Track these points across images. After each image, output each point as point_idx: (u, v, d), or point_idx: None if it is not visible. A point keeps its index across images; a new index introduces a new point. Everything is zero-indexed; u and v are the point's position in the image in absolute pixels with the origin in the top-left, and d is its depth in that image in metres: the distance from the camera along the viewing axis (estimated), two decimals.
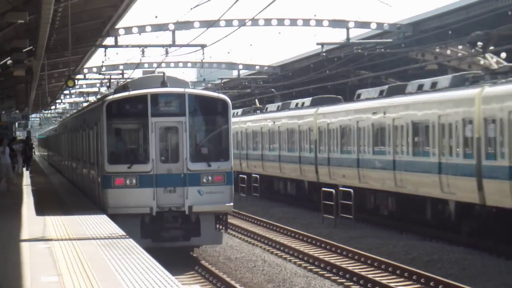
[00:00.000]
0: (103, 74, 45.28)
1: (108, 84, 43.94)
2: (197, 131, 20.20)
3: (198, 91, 22.52)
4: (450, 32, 33.59)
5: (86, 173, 25.04)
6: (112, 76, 45.62)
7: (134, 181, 19.69)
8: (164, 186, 19.71)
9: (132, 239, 15.22)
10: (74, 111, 60.36)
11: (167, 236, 19.81)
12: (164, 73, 21.60)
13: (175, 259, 21.07)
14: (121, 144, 20.40)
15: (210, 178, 19.84)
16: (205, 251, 22.68)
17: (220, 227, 20.27)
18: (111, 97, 21.03)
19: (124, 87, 21.78)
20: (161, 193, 19.70)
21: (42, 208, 21.68)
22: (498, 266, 18.16)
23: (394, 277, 17.93)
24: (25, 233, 16.44)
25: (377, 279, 17.23)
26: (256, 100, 51.32)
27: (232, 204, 20.18)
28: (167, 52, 32.59)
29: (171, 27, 31.81)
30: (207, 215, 19.96)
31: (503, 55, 35.13)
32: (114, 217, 18.73)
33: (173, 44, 31.82)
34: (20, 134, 61.52)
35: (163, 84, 20.73)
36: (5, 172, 27.95)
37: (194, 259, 20.43)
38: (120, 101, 20.22)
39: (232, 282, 17.15)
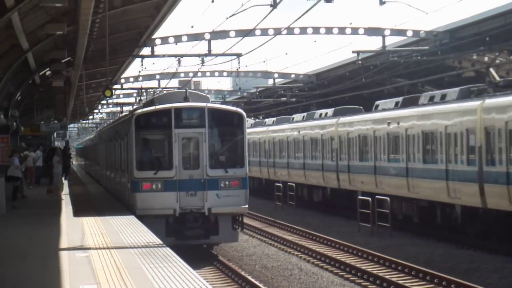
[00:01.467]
0: (139, 84, 45.66)
1: (141, 94, 44.28)
2: (215, 141, 22.56)
3: (217, 105, 24.90)
4: (487, 38, 33.30)
5: (118, 179, 27.48)
6: (148, 86, 45.97)
7: (159, 185, 22.02)
8: (186, 190, 22.04)
9: (158, 237, 16.78)
10: (111, 121, 60.93)
11: (189, 235, 22.03)
12: (186, 89, 24.53)
13: (211, 268, 21.15)
14: (148, 152, 22.83)
15: (227, 183, 22.16)
16: (241, 260, 22.72)
17: (237, 226, 22.60)
18: (139, 111, 23.65)
19: (151, 102, 24.45)
20: (184, 196, 22.03)
21: (79, 211, 23.76)
22: None
23: (432, 286, 17.78)
24: (64, 242, 16.62)
25: (414, 287, 17.11)
26: (282, 111, 54.23)
27: (247, 206, 22.53)
28: (203, 62, 32.79)
29: (207, 36, 31.99)
30: (225, 216, 22.23)
31: None
32: (141, 218, 20.91)
33: (209, 54, 32.00)
34: (58, 144, 62.15)
35: (186, 99, 23.04)
36: (58, 180, 28.42)
37: (231, 268, 20.48)
38: (147, 115, 22.67)
39: None
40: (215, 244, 23.41)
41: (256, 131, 49.93)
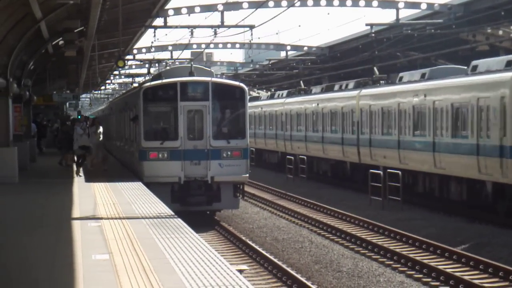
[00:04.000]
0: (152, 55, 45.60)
1: (150, 65, 44.19)
2: (218, 114, 23.93)
3: (220, 79, 26.72)
4: (502, 13, 32.99)
5: (127, 149, 28.85)
6: (161, 57, 45.89)
7: (165, 155, 23.40)
8: (191, 160, 23.45)
9: (164, 203, 17.76)
10: (122, 92, 60.97)
11: (193, 201, 23.36)
12: (192, 64, 26.33)
13: (223, 241, 21.25)
14: (155, 124, 24.38)
15: (229, 153, 23.50)
16: (252, 232, 22.81)
17: (238, 194, 23.99)
18: (147, 84, 25.20)
19: (159, 76, 25.99)
20: (188, 165, 23.40)
21: (91, 178, 24.86)
22: None
23: (442, 259, 17.82)
24: (76, 212, 16.72)
25: (425, 261, 17.14)
26: (301, 82, 50.93)
27: (247, 175, 23.93)
28: (215, 33, 32.66)
29: (220, 7, 31.84)
30: (227, 184, 23.63)
31: None
32: (148, 185, 22.24)
33: (222, 25, 31.84)
34: (70, 114, 62.33)
35: (191, 73, 24.36)
36: (95, 150, 28.35)
37: (242, 241, 20.56)
38: (154, 88, 24.08)
39: (280, 263, 17.23)
40: (217, 210, 25.04)
41: (272, 103, 49.03)
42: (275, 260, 17.48)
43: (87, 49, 29.13)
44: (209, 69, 27.75)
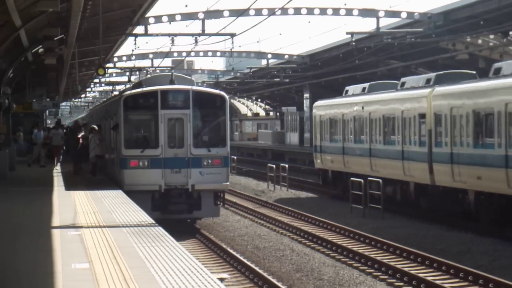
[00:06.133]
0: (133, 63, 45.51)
1: (131, 74, 44.16)
2: (199, 122, 23.93)
3: (201, 88, 26.68)
4: (481, 22, 33.25)
5: (108, 157, 28.68)
6: (141, 65, 45.83)
7: (146, 163, 23.44)
8: (171, 168, 23.45)
9: (144, 211, 17.80)
10: (102, 100, 60.78)
11: (173, 209, 23.40)
12: (172, 72, 26.30)
13: (204, 250, 21.17)
14: (135, 132, 24.42)
15: (210, 161, 23.58)
16: (233, 240, 22.75)
17: (218, 202, 24.05)
18: (127, 92, 25.22)
19: (139, 84, 26.07)
20: (169, 173, 23.42)
21: (71, 185, 24.81)
22: None
23: (423, 267, 17.85)
24: (56, 220, 16.60)
25: (405, 269, 17.16)
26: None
27: (228, 183, 24.12)
28: (196, 41, 32.67)
29: (201, 16, 31.85)
30: (207, 192, 23.67)
31: None
32: (129, 193, 22.08)
33: (203, 33, 31.87)
34: (50, 122, 62.01)
35: (172, 82, 24.42)
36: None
37: (223, 249, 20.50)
38: (135, 96, 24.12)
39: (261, 271, 17.19)
40: (198, 218, 25.14)
41: None
42: (256, 269, 17.44)
43: (67, 57, 29.02)
44: (190, 77, 27.90)
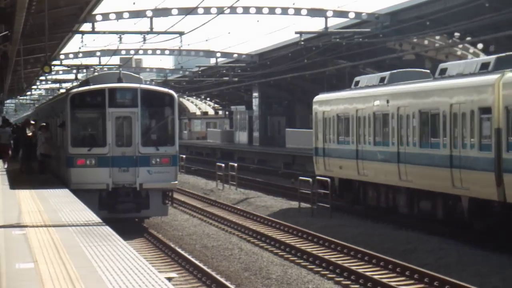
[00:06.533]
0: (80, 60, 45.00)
1: (78, 71, 43.65)
2: (147, 120, 23.82)
3: (149, 86, 26.45)
4: (428, 23, 33.66)
5: (55, 155, 28.32)
6: (89, 62, 45.34)
7: (93, 161, 23.30)
8: (119, 166, 23.34)
9: (91, 210, 17.67)
10: (50, 97, 60.01)
11: (121, 208, 23.30)
12: (120, 70, 26.32)
13: (152, 249, 21.02)
14: (82, 130, 24.23)
15: (158, 160, 23.46)
16: (181, 239, 22.65)
17: (167, 201, 24.00)
18: (75, 90, 25.07)
19: (86, 82, 25.89)
20: (116, 172, 23.31)
21: (16, 184, 24.34)
22: (473, 256, 18.27)
23: (370, 266, 17.99)
24: None
25: (353, 268, 17.28)
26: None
27: (177, 182, 24.01)
28: (144, 39, 32.44)
29: (149, 13, 31.65)
30: (155, 191, 23.57)
31: (480, 46, 35.39)
32: (76, 192, 21.84)
33: (151, 31, 31.67)
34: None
35: (119, 80, 24.28)
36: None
37: (171, 248, 20.39)
38: (82, 94, 23.96)
39: (209, 270, 17.13)
40: (146, 217, 25.00)
41: None
42: (204, 268, 17.38)
43: (12, 54, 28.53)
44: (138, 76, 27.70)
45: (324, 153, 29.63)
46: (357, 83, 28.59)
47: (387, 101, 24.81)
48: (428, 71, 25.79)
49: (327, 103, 29.67)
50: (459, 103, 20.68)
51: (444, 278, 15.48)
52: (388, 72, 26.75)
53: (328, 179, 27.63)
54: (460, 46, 36.59)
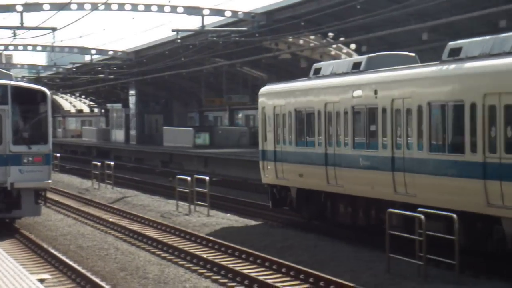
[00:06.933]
0: None
1: None
2: (19, 118, 23.29)
3: (20, 83, 25.86)
4: (302, 23, 34.26)
5: None
6: None
7: None
8: None
9: None
10: None
11: None
12: None
13: (24, 250, 20.41)
14: None
15: (30, 158, 23.03)
16: (55, 240, 22.11)
17: (40, 201, 23.53)
18: None
19: None
20: None
21: None
22: (347, 253, 18.69)
23: (247, 263, 18.08)
24: None
25: (230, 266, 17.32)
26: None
27: (50, 181, 23.57)
28: (15, 34, 31.50)
29: (19, 8, 30.74)
30: (28, 191, 23.08)
31: (353, 46, 36.32)
32: None
33: (22, 27, 30.75)
34: None
35: None
36: None
37: (44, 249, 19.84)
38: None
39: (84, 271, 16.78)
40: (17, 218, 24.34)
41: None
42: (79, 268, 17.01)
43: None
44: (8, 72, 26.86)
45: (276, 157, 23.60)
46: (317, 70, 22.55)
47: (375, 92, 19.07)
48: (414, 54, 20.80)
49: (280, 95, 23.54)
50: (493, 94, 15.33)
51: (318, 274, 15.75)
52: (365, 56, 20.99)
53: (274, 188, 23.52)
54: (334, 46, 37.43)
